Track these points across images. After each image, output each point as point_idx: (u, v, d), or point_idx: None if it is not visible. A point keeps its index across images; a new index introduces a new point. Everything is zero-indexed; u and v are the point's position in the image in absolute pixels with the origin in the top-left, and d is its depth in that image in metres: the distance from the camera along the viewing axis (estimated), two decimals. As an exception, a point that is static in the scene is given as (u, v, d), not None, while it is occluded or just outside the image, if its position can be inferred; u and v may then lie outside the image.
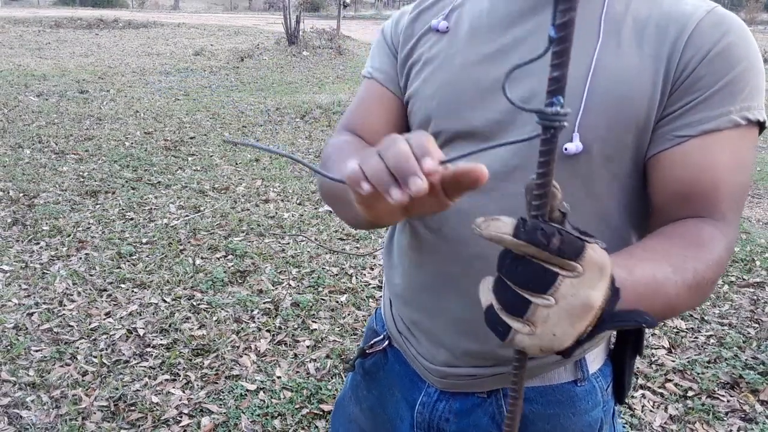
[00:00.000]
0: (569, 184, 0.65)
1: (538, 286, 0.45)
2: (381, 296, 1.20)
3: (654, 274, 0.59)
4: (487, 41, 0.74)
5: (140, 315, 2.68)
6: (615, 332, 0.73)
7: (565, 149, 0.67)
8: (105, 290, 2.87)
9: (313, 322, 2.68)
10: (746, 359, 2.53)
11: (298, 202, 4.12)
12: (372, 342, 0.91)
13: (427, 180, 0.44)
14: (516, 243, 0.44)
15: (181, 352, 2.42)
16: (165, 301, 2.79)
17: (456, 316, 0.76)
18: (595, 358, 0.78)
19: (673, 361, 2.51)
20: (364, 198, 0.49)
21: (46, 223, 3.56)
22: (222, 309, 2.74)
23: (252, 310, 2.75)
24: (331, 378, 2.31)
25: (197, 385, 2.25)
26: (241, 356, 2.42)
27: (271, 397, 2.19)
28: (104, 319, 2.63)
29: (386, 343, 0.89)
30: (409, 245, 0.81)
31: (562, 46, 0.43)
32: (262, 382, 2.27)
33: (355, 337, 2.59)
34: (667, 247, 0.63)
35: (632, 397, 2.28)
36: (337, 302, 2.85)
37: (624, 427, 0.86)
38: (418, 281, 0.80)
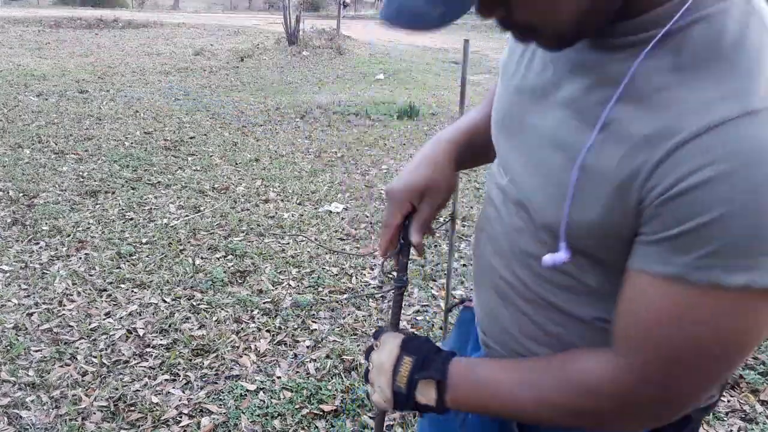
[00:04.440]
0: (518, 219, 0.73)
1: (366, 357, 0.79)
2: (381, 295, 1.23)
3: (495, 376, 0.69)
4: (533, 72, 0.71)
5: (140, 315, 2.68)
6: None
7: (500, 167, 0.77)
8: (105, 290, 2.87)
9: (313, 322, 2.68)
10: (746, 359, 2.53)
11: (298, 202, 4.12)
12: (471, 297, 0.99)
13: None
14: None
15: (181, 352, 2.42)
16: (165, 301, 2.79)
17: (480, 304, 0.86)
18: None
19: (674, 361, 2.51)
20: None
21: (46, 223, 3.56)
22: (222, 309, 2.74)
23: (252, 310, 2.75)
24: (331, 378, 2.31)
25: (197, 385, 2.25)
26: (241, 356, 2.42)
27: (271, 397, 2.19)
28: (104, 319, 2.63)
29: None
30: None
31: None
32: (262, 382, 2.27)
33: (354, 337, 2.58)
34: (542, 363, 0.69)
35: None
36: (337, 302, 2.85)
37: None
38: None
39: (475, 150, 0.90)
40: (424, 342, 0.76)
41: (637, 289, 0.59)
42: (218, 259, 3.22)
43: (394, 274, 0.86)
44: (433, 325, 2.70)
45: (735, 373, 2.40)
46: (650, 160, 0.55)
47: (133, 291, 2.88)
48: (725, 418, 2.18)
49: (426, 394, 0.71)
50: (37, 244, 3.32)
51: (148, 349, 2.45)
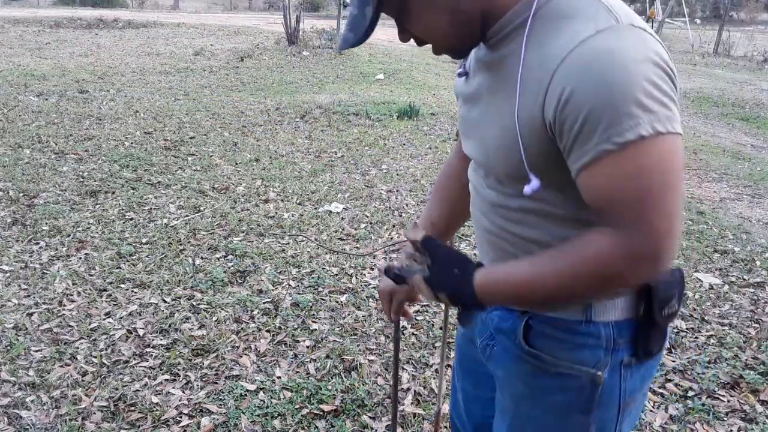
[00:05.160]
0: (489, 184, 0.97)
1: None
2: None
3: (517, 269, 0.89)
4: (473, 84, 0.98)
5: (140, 315, 2.68)
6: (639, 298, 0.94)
7: (470, 156, 1.00)
8: (105, 290, 2.87)
9: (313, 322, 2.68)
10: (746, 359, 2.53)
11: (298, 202, 4.12)
12: None
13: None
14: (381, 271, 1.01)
15: (181, 352, 2.42)
16: (165, 301, 2.79)
17: (480, 252, 1.10)
18: (605, 310, 0.94)
19: (674, 361, 2.51)
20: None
21: (46, 223, 3.56)
22: (222, 309, 2.74)
23: (252, 310, 2.75)
24: (331, 378, 2.31)
25: (197, 385, 2.25)
26: (241, 356, 2.42)
27: (271, 397, 2.19)
28: (104, 319, 2.63)
29: None
30: None
31: None
32: (262, 382, 2.27)
33: (354, 337, 2.59)
34: (556, 250, 0.86)
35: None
36: (337, 302, 2.85)
37: (644, 395, 1.04)
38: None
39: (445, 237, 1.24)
40: (445, 275, 0.94)
41: (589, 183, 0.80)
42: (218, 259, 3.22)
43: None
44: (433, 325, 2.70)
45: (735, 372, 2.40)
46: (542, 89, 0.79)
47: (133, 291, 2.88)
48: (725, 418, 2.18)
49: (470, 310, 1.02)
50: (37, 244, 3.32)
51: (148, 349, 2.45)
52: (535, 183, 0.85)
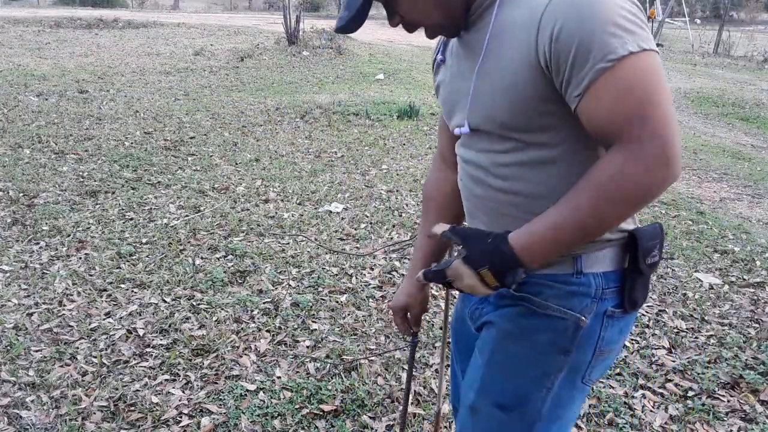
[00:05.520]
0: (480, 148, 1.04)
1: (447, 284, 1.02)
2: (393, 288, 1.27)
3: (537, 220, 0.93)
4: (454, 66, 1.08)
5: (140, 315, 2.68)
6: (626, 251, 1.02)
7: (457, 130, 1.07)
8: (105, 290, 2.87)
9: (313, 322, 2.68)
10: (746, 359, 2.53)
11: (298, 202, 4.12)
12: None
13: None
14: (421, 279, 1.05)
15: (181, 352, 2.42)
16: (165, 301, 2.79)
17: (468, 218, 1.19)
18: (594, 262, 1.01)
19: (674, 361, 2.51)
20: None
21: (46, 223, 3.56)
22: (222, 309, 2.74)
23: (252, 310, 2.75)
24: (331, 378, 2.31)
25: (197, 385, 2.25)
26: (241, 356, 2.42)
27: (271, 397, 2.19)
28: (104, 319, 2.63)
29: None
30: None
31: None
32: (262, 382, 2.27)
33: (354, 337, 2.58)
34: (572, 191, 0.91)
35: (632, 397, 2.27)
36: (337, 302, 2.85)
37: (621, 333, 1.11)
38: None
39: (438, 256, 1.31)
40: (481, 246, 0.96)
41: (589, 106, 0.87)
42: (218, 259, 3.22)
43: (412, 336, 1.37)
44: (433, 324, 2.70)
45: (735, 372, 2.40)
46: (533, 33, 0.88)
47: (133, 291, 2.88)
48: (725, 418, 2.18)
49: (513, 277, 0.95)
50: (37, 244, 3.32)
51: (148, 349, 2.45)
52: (466, 128, 1.04)
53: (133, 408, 2.12)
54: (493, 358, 1.09)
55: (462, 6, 0.99)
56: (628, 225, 1.03)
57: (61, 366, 2.32)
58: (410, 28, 1.00)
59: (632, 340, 2.66)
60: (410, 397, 1.48)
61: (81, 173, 4.46)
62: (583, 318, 1.02)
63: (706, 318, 2.87)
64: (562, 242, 0.92)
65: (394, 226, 3.77)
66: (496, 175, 1.03)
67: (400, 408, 1.60)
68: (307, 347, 2.50)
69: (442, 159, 1.30)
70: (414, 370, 2.38)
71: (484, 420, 1.10)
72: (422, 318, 1.36)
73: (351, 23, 0.95)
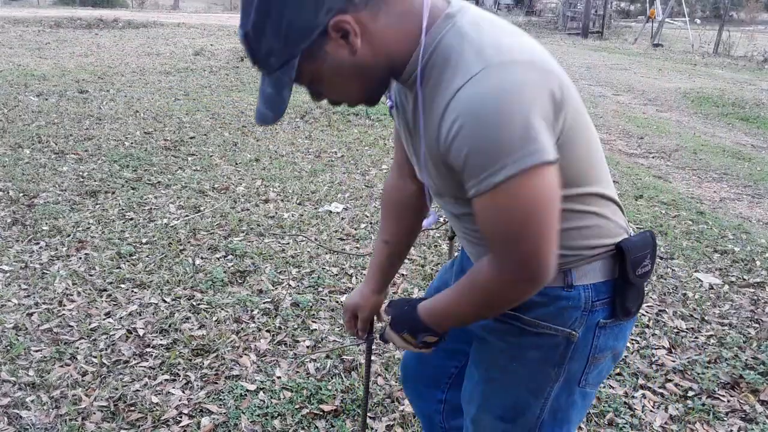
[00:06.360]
0: (446, 200, 1.08)
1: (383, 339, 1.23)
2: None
3: (437, 297, 1.08)
4: (401, 119, 1.09)
5: (140, 315, 2.68)
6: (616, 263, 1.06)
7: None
8: (105, 290, 2.87)
9: (313, 322, 2.68)
10: (746, 359, 2.53)
11: (298, 202, 4.12)
12: None
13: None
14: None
15: (181, 352, 2.42)
16: (165, 301, 2.79)
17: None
18: (583, 274, 1.04)
19: (674, 361, 2.51)
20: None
21: (46, 223, 3.56)
22: (222, 309, 2.74)
23: (252, 310, 2.75)
24: (331, 378, 2.31)
25: (197, 385, 2.25)
26: (241, 356, 2.42)
27: (271, 397, 2.19)
28: (104, 319, 2.63)
29: None
30: None
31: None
32: (262, 382, 2.27)
33: (354, 337, 2.58)
34: (461, 280, 1.03)
35: (632, 397, 2.28)
36: (337, 302, 2.85)
37: (614, 341, 1.14)
38: None
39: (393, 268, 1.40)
40: (400, 314, 1.13)
41: (476, 212, 0.92)
42: (218, 259, 3.22)
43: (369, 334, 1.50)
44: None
45: (735, 372, 2.40)
46: (435, 131, 0.91)
47: (133, 291, 2.88)
48: (725, 418, 2.18)
49: (423, 338, 1.11)
50: (37, 244, 3.32)
51: (148, 349, 2.45)
52: (432, 218, 1.18)
53: (133, 408, 2.12)
54: (490, 375, 1.17)
55: (388, 79, 0.97)
56: (617, 236, 1.05)
57: (61, 366, 2.32)
58: (335, 104, 1.01)
59: (632, 340, 2.66)
60: (368, 400, 1.53)
61: (81, 173, 4.46)
62: (574, 333, 1.06)
63: (706, 318, 2.87)
64: (456, 318, 1.06)
65: (394, 226, 3.76)
66: (465, 220, 1.07)
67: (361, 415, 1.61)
68: (307, 347, 2.50)
69: (399, 169, 1.31)
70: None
71: (488, 430, 1.21)
72: (374, 323, 1.43)
73: (274, 122, 0.95)
